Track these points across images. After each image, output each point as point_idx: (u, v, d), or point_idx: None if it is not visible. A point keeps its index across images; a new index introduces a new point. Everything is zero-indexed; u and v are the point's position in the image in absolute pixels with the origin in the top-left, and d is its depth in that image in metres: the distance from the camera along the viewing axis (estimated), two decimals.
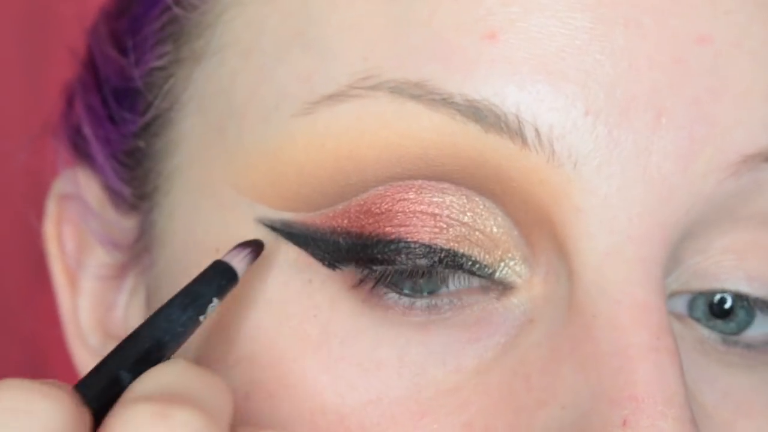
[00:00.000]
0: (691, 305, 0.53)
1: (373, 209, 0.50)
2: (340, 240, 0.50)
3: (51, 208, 0.66)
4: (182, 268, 0.55)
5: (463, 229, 0.50)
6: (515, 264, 0.51)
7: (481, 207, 0.50)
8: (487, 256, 0.50)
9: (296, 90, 0.51)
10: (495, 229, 0.50)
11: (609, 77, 0.48)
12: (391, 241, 0.50)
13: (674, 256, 0.51)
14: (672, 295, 0.52)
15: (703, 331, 0.52)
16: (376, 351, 0.50)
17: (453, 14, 0.49)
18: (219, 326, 0.53)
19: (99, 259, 0.64)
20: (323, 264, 0.51)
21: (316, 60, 0.51)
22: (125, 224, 0.61)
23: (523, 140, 0.48)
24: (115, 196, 0.61)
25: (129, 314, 0.63)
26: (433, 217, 0.50)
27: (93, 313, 0.65)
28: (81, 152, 0.64)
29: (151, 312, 0.58)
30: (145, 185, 0.58)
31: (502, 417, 0.49)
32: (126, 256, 0.61)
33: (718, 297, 0.53)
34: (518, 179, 0.49)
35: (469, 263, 0.50)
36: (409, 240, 0.50)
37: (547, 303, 0.50)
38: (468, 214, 0.50)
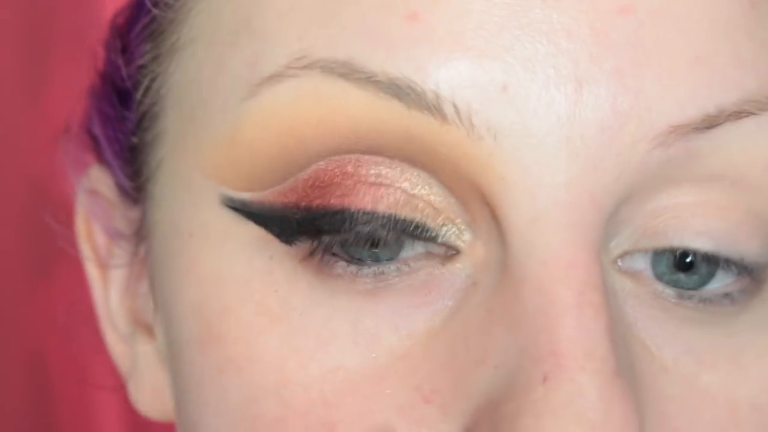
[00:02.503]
0: (654, 261, 0.53)
1: (317, 183, 0.52)
2: (291, 215, 0.53)
3: (79, 206, 0.70)
4: (166, 254, 0.58)
5: (403, 196, 0.52)
6: (458, 230, 0.52)
7: (416, 177, 0.52)
8: (428, 221, 0.52)
9: (246, 74, 0.53)
10: (433, 198, 0.52)
11: (527, 52, 0.49)
12: (336, 212, 0.52)
13: (618, 218, 0.51)
14: (624, 254, 0.52)
15: (658, 286, 0.52)
16: (331, 322, 0.52)
17: None
18: (192, 307, 0.56)
19: (119, 250, 0.67)
20: (280, 240, 0.53)
21: (260, 44, 0.53)
22: (132, 215, 0.65)
23: (443, 116, 0.50)
24: (121, 191, 0.65)
25: (147, 302, 0.66)
26: (372, 186, 0.52)
27: (122, 302, 0.69)
28: (96, 151, 0.68)
29: (155, 300, 0.62)
30: (140, 178, 0.62)
31: (446, 379, 0.51)
32: (132, 245, 0.65)
33: (680, 252, 0.53)
34: (444, 153, 0.50)
35: (411, 227, 0.51)
36: (351, 209, 0.51)
37: (487, 267, 0.51)
38: (405, 182, 0.52)
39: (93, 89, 0.68)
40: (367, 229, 0.52)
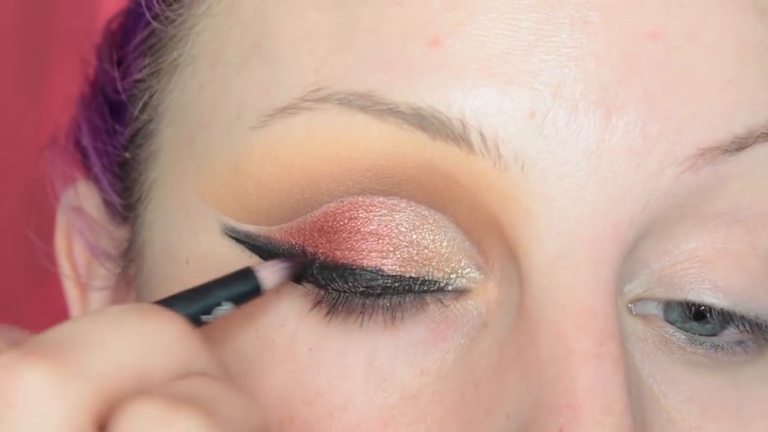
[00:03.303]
0: (666, 308, 0.52)
1: (326, 227, 0.50)
2: (299, 258, 0.51)
3: (60, 221, 0.67)
4: (158, 279, 0.56)
5: (411, 250, 0.50)
6: (469, 271, 0.50)
7: (431, 222, 0.50)
8: (436, 272, 0.50)
9: (255, 102, 0.51)
10: (445, 244, 0.50)
11: (556, 77, 0.48)
12: (340, 266, 0.50)
13: (636, 257, 0.50)
14: (637, 300, 0.51)
15: (669, 329, 0.51)
16: (344, 357, 0.50)
17: (398, 21, 0.49)
18: None
19: (103, 271, 0.64)
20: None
21: (272, 72, 0.51)
22: (118, 235, 0.62)
23: (469, 146, 0.48)
24: (109, 207, 0.62)
25: None
26: (381, 239, 0.50)
27: None
28: (84, 165, 0.65)
29: None
30: (131, 196, 0.59)
31: (455, 426, 0.49)
32: (118, 267, 0.62)
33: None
34: (466, 185, 0.48)
35: (417, 285, 0.50)
36: (354, 267, 0.50)
37: (500, 308, 0.50)
38: (417, 231, 0.50)
39: (83, 98, 0.65)
40: (372, 284, 0.50)
